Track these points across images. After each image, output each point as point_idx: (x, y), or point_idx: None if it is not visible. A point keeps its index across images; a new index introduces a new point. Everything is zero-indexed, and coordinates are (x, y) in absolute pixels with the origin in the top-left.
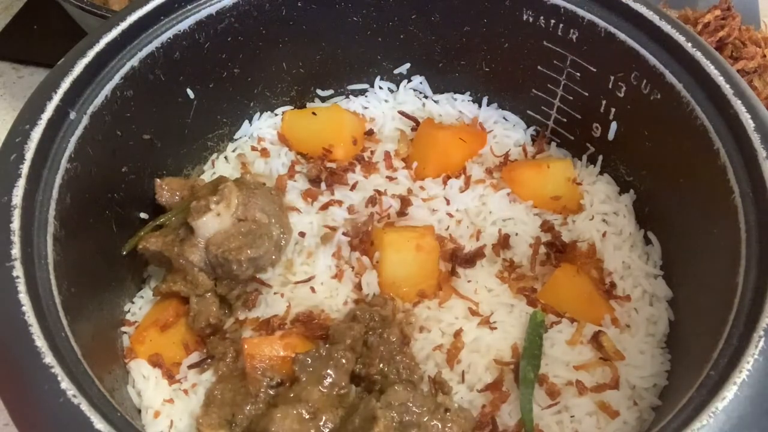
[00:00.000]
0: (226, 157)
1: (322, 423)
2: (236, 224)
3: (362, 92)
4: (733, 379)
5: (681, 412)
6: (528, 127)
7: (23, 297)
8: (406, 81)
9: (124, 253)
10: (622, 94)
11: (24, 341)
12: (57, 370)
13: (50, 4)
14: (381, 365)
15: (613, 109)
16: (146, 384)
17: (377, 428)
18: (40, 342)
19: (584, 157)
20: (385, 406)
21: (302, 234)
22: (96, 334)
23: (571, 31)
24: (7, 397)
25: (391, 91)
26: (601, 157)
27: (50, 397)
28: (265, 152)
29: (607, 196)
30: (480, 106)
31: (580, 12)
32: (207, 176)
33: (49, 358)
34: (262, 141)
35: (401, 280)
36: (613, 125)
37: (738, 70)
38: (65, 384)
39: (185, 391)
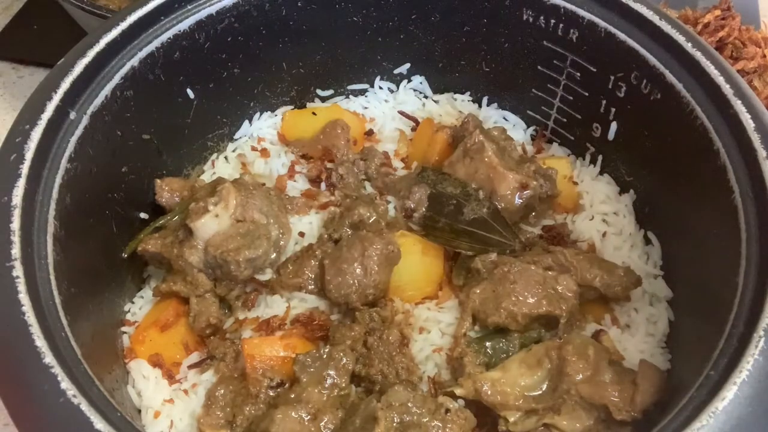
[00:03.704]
0: (226, 157)
1: (322, 424)
2: (235, 225)
3: (362, 92)
4: (733, 379)
5: (681, 412)
6: (528, 127)
7: (23, 297)
8: (406, 81)
9: (125, 255)
10: (622, 94)
11: (24, 341)
12: (57, 370)
13: (50, 4)
14: (381, 366)
15: (613, 109)
16: (146, 384)
17: (378, 429)
18: (40, 342)
19: (586, 157)
20: (386, 406)
21: (302, 234)
22: (96, 334)
23: (571, 31)
24: (8, 397)
25: (391, 91)
26: (601, 157)
27: (50, 397)
28: (265, 152)
29: (607, 196)
30: (480, 106)
31: (580, 12)
32: (207, 176)
33: (49, 358)
34: (262, 141)
35: (405, 284)
36: (613, 125)
37: (738, 70)
38: (65, 384)
39: (185, 392)
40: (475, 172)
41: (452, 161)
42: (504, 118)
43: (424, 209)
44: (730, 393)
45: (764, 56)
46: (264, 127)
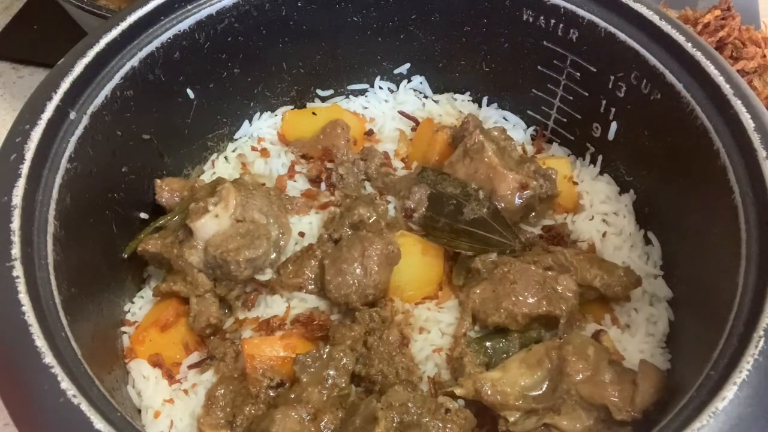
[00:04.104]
0: (226, 157)
1: (322, 424)
2: (234, 225)
3: (362, 92)
4: (733, 379)
5: (681, 412)
6: (528, 127)
7: (23, 297)
8: (406, 81)
9: (125, 256)
10: (622, 94)
11: (24, 341)
12: (57, 370)
13: (50, 4)
14: (381, 366)
15: (613, 109)
16: (146, 384)
17: (378, 429)
18: (40, 342)
19: (586, 157)
20: (386, 406)
21: (302, 234)
22: (96, 334)
23: (571, 31)
24: (8, 397)
25: (391, 91)
26: (601, 157)
27: (50, 397)
28: (265, 152)
29: (607, 196)
30: (480, 106)
31: (580, 12)
32: (207, 176)
33: (49, 358)
34: (262, 141)
35: (405, 284)
36: (613, 125)
37: (738, 70)
38: (65, 384)
39: (185, 391)
40: (475, 172)
41: (452, 161)
42: (504, 118)
43: (424, 209)
44: (730, 393)
45: (764, 56)
46: (264, 127)
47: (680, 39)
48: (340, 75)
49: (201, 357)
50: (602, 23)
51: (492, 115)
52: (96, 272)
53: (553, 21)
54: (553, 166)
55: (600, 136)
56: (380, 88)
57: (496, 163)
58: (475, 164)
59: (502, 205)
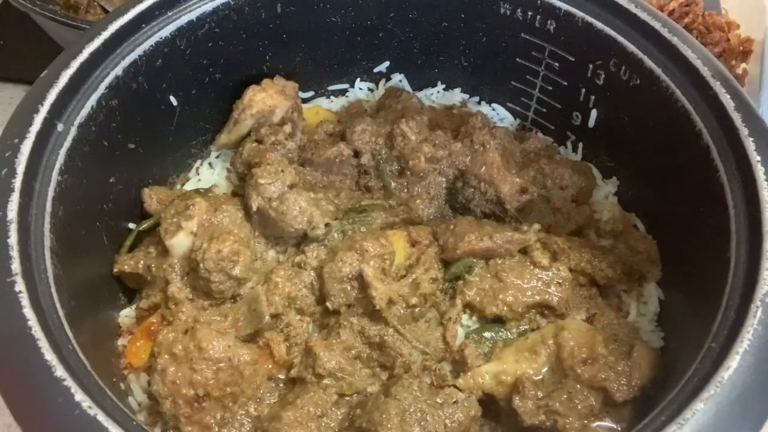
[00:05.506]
0: (210, 164)
1: (324, 423)
2: (211, 237)
3: (342, 92)
4: (735, 349)
5: (687, 384)
6: (514, 119)
7: (28, 311)
8: (384, 80)
9: (115, 271)
10: (601, 82)
11: (33, 356)
12: (69, 382)
13: (19, 18)
14: (382, 363)
15: (592, 97)
16: (146, 386)
17: (381, 426)
18: (49, 356)
19: (568, 145)
20: (389, 403)
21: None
22: (98, 342)
23: (549, 22)
24: (21, 413)
25: (371, 90)
26: (581, 145)
27: (65, 410)
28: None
29: None
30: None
31: (557, 3)
32: (192, 183)
33: (60, 372)
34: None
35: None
36: (593, 112)
37: None
38: (79, 396)
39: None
40: (478, 171)
41: (454, 160)
42: (496, 113)
43: None
44: (734, 362)
45: (728, 40)
46: None
47: (656, 24)
48: (320, 76)
49: None
50: (579, 13)
51: (487, 112)
52: (92, 283)
53: (530, 13)
54: None
55: (580, 124)
56: (360, 89)
57: (498, 164)
58: (478, 163)
59: (503, 204)
